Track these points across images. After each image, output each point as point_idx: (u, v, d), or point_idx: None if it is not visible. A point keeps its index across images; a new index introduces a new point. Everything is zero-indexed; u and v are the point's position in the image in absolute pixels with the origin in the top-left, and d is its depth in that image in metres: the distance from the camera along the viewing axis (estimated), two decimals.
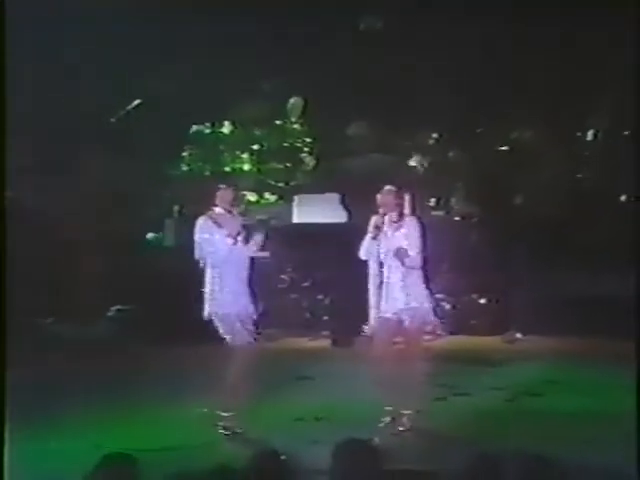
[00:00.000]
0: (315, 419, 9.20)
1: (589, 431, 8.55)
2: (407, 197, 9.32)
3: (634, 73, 13.20)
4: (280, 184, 14.35)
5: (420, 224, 9.00)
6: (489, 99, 14.02)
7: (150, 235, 14.09)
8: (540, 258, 12.97)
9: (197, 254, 9.02)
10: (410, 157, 14.22)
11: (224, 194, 9.19)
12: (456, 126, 14.43)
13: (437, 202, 13.80)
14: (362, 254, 9.02)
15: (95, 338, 12.63)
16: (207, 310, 8.96)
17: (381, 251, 8.94)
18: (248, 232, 9.18)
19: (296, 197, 13.94)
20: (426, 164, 14.23)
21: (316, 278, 13.14)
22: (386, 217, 8.98)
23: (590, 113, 14.53)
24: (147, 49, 13.60)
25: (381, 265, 8.97)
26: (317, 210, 13.65)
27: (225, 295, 8.90)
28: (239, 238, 9.06)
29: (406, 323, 8.91)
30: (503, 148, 14.45)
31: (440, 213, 13.68)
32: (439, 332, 11.87)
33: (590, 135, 14.43)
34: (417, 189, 13.15)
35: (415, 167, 14.14)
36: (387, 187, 9.11)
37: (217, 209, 9.10)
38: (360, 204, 13.41)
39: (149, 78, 14.14)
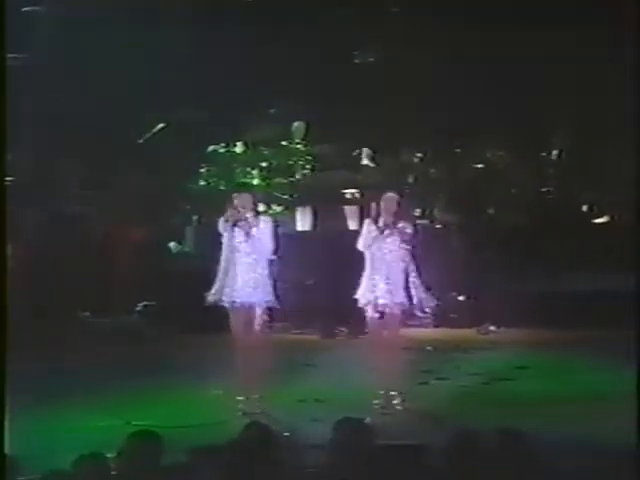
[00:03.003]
0: (315, 401, 9.16)
1: (554, 409, 8.55)
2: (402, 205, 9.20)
3: (592, 101, 13.32)
4: (285, 196, 14.31)
5: (412, 229, 8.93)
6: (467, 124, 14.04)
7: (172, 242, 14.08)
8: (510, 261, 12.99)
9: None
10: (399, 173, 14.17)
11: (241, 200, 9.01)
12: (438, 147, 14.46)
13: (422, 212, 13.79)
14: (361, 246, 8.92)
15: (126, 329, 12.61)
16: (220, 295, 8.82)
17: (375, 251, 8.87)
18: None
19: (299, 208, 13.95)
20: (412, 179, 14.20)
21: (317, 277, 13.10)
22: (381, 220, 8.86)
23: (553, 136, 14.54)
24: (170, 82, 13.68)
25: (372, 264, 8.92)
26: (317, 219, 13.68)
27: (238, 285, 8.79)
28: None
29: (394, 317, 8.88)
30: (479, 165, 14.44)
31: (425, 222, 13.65)
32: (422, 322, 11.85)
33: (554, 154, 14.42)
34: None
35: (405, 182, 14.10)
36: (389, 194, 8.92)
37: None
38: (356, 213, 13.50)
39: (172, 105, 14.17)
